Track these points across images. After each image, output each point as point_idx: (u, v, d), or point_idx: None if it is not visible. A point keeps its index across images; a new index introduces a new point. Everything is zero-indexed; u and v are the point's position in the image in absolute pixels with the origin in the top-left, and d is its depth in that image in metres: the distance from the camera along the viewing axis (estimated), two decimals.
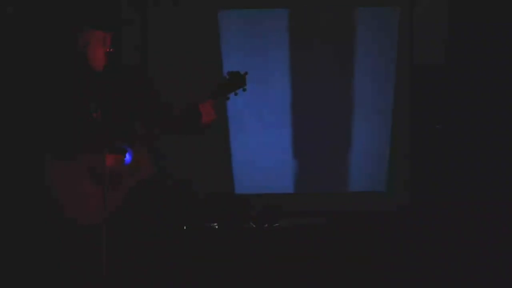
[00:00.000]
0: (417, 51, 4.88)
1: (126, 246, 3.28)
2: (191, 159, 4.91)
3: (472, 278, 4.05)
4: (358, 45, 4.98)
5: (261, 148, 5.07)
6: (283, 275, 4.24)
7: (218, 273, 4.27)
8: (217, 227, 4.90)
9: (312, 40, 4.97)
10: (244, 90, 3.38)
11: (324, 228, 4.87)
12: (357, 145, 5.04)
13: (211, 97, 3.33)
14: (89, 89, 3.11)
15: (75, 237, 3.07)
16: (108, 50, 3.20)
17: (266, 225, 4.94)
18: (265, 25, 4.97)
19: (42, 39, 4.21)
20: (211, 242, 4.71)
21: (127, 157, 3.17)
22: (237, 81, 3.36)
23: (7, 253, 4.03)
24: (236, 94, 3.37)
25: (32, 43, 4.28)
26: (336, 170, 5.06)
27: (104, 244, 2.96)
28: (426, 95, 4.87)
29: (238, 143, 5.07)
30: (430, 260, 4.35)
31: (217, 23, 4.92)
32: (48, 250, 3.23)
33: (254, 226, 4.94)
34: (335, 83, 5.01)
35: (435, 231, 4.66)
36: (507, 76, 4.68)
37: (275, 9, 4.97)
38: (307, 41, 4.97)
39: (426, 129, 4.89)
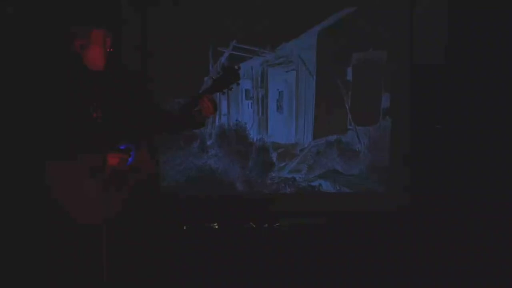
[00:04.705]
0: (417, 51, 4.88)
1: (126, 246, 3.28)
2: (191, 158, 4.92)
3: (472, 278, 4.05)
4: (358, 44, 4.99)
5: None
6: (283, 275, 4.23)
7: (218, 273, 4.27)
8: (217, 227, 4.90)
9: (312, 39, 4.97)
10: (238, 84, 3.32)
11: (324, 228, 4.87)
12: (357, 145, 5.04)
13: (206, 93, 3.27)
14: (89, 89, 3.11)
15: (75, 237, 3.07)
16: (108, 50, 3.19)
17: (266, 225, 4.94)
18: None
19: (42, 39, 4.22)
20: (211, 242, 4.71)
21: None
22: (231, 75, 3.31)
23: (7, 253, 4.03)
24: (230, 90, 3.31)
25: (32, 43, 4.28)
26: (336, 170, 5.06)
27: (104, 244, 2.96)
28: (426, 95, 4.87)
29: None
30: (430, 260, 4.35)
31: (217, 23, 4.92)
32: (48, 250, 3.23)
33: (254, 226, 4.94)
34: (335, 82, 5.01)
35: (435, 231, 4.66)
36: (506, 76, 4.68)
37: None
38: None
39: (426, 129, 4.89)
